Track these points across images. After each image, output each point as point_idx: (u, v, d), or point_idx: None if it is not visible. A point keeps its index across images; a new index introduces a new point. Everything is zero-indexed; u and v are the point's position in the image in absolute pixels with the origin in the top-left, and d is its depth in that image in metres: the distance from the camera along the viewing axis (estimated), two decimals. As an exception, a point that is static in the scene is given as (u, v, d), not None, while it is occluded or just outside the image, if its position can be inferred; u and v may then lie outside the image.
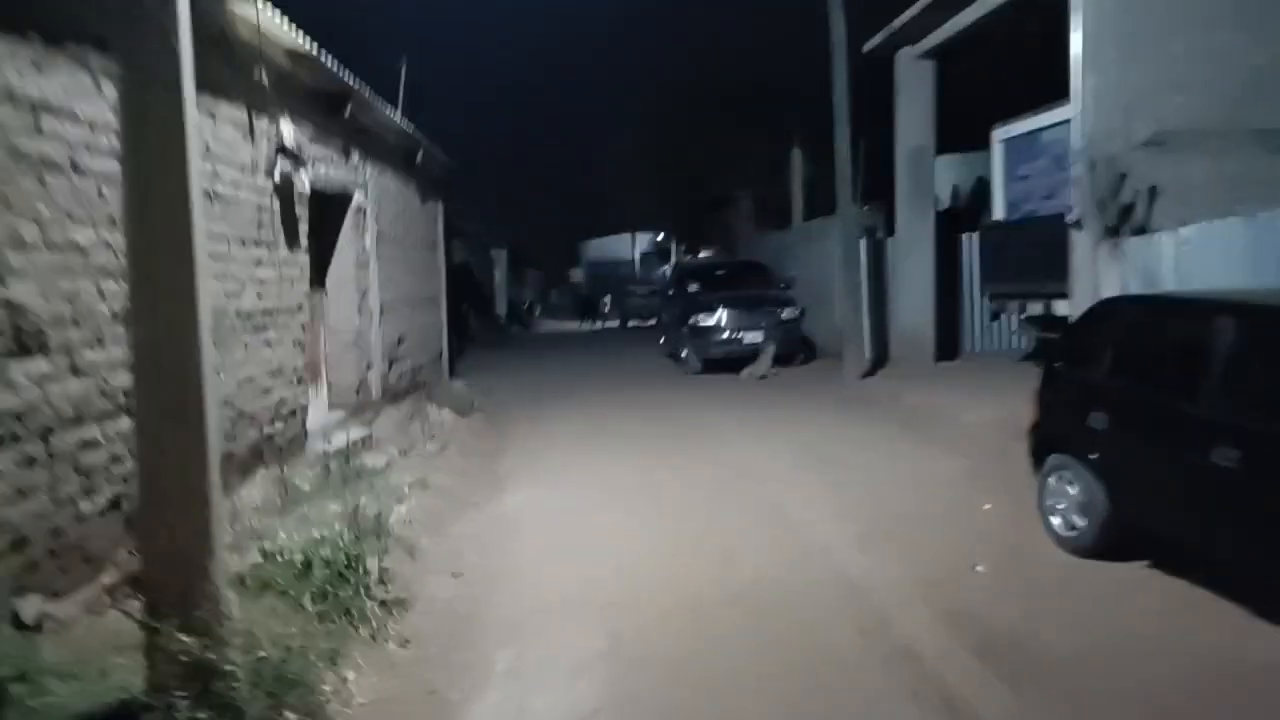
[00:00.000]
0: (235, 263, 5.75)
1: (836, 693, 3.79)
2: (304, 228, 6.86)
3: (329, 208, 7.99)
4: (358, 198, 8.25)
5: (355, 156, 8.18)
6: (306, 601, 4.38)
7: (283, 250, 6.48)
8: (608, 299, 32.89)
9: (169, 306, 3.23)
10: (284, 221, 6.49)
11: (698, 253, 29.95)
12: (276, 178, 6.26)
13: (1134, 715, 3.58)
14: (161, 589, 3.32)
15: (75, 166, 4.05)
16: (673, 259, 34.66)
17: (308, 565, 4.62)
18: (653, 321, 31.17)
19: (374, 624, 4.48)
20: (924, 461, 7.81)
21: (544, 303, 41.52)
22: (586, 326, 32.79)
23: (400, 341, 9.70)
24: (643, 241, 40.28)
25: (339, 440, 7.41)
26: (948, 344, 13.78)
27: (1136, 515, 5.03)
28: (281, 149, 6.30)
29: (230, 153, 5.68)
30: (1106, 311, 5.75)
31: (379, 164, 8.92)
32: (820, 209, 18.35)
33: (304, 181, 6.75)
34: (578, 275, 45.98)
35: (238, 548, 4.91)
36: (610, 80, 28.92)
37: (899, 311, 13.78)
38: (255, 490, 5.80)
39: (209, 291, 3.29)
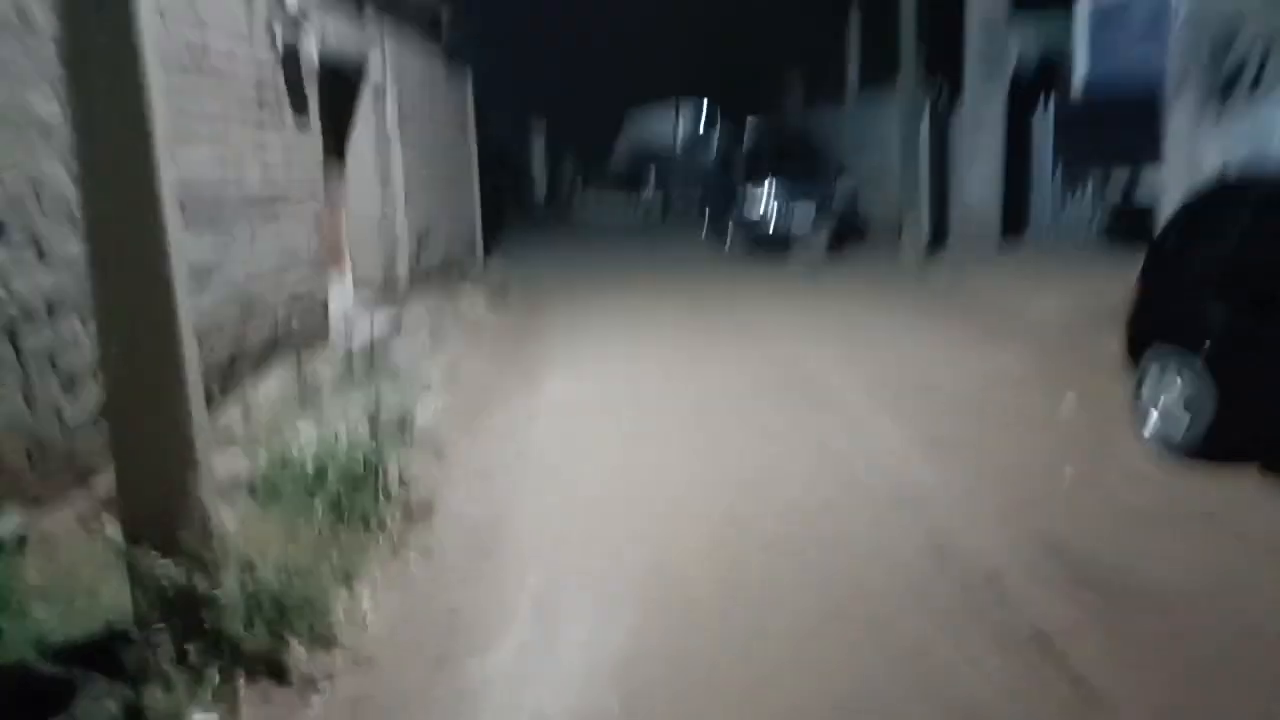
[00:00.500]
0: (235, 143, 5.21)
1: (907, 633, 3.32)
2: (314, 104, 6.26)
3: (343, 83, 7.35)
4: (374, 72, 7.58)
5: (370, 26, 7.46)
6: (319, 511, 4.04)
7: (290, 129, 5.91)
8: (654, 186, 31.74)
9: (122, 184, 2.72)
10: (291, 97, 5.90)
11: (743, 133, 28.63)
12: (279, 45, 5.63)
13: (1252, 667, 3.06)
14: (137, 507, 2.94)
15: (25, 20, 3.49)
16: (716, 141, 33.23)
17: (322, 470, 4.26)
18: (695, 209, 30.19)
19: (394, 534, 4.15)
20: (991, 355, 7.20)
21: (583, 187, 40.51)
22: (625, 214, 31.87)
23: (429, 226, 9.18)
24: (685, 124, 38.71)
25: (365, 329, 7.01)
26: (1014, 225, 12.87)
27: (1251, 418, 4.44)
28: (283, 14, 5.64)
29: (222, 17, 5.06)
30: (1235, 187, 4.97)
31: (398, 32, 8.19)
32: (877, 80, 17.10)
33: (311, 50, 6.10)
34: (618, 160, 44.61)
35: (248, 451, 4.58)
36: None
37: (964, 190, 12.82)
38: (272, 385, 5.44)
39: (170, 169, 2.77)
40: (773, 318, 9.11)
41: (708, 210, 17.05)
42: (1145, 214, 9.40)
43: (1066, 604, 3.43)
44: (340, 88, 7.32)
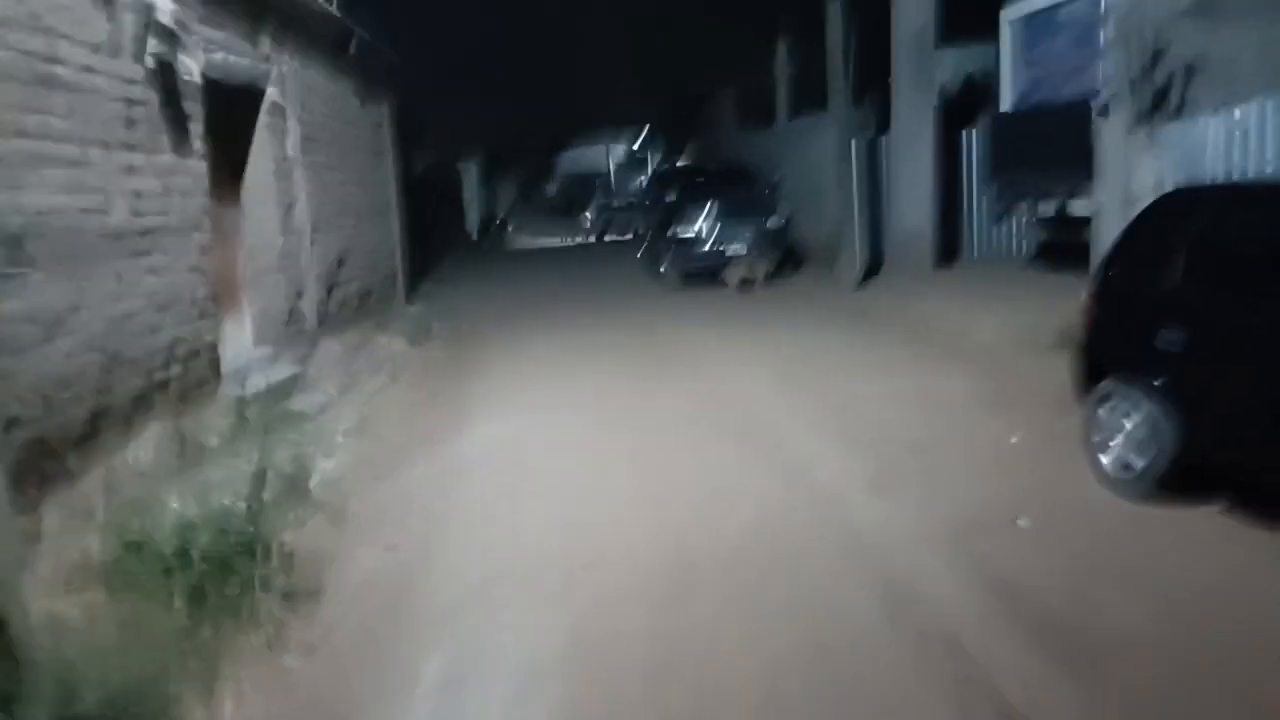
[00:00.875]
0: (94, 170, 4.58)
1: (859, 689, 2.92)
2: (197, 127, 5.64)
3: (238, 105, 6.73)
4: (272, 92, 6.98)
5: (266, 43, 6.88)
6: (178, 601, 3.42)
7: (167, 155, 5.29)
8: (590, 213, 31.38)
9: None
10: (167, 119, 5.28)
11: (677, 158, 28.50)
12: (149, 62, 5.02)
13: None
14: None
15: None
16: (650, 167, 33.12)
17: (184, 550, 3.64)
18: (630, 235, 30.01)
19: (271, 624, 3.54)
20: (932, 383, 6.86)
21: (518, 216, 39.97)
22: (561, 241, 31.41)
23: (341, 262, 8.55)
24: (618, 150, 38.64)
25: (262, 380, 6.35)
26: (947, 249, 12.75)
27: (1215, 450, 4.11)
28: (154, 25, 5.05)
29: (75, 27, 4.45)
30: (1180, 205, 4.70)
31: (300, 54, 7.61)
32: (807, 105, 17.01)
33: (192, 67, 5.50)
34: (552, 189, 44.29)
35: (105, 528, 3.92)
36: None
37: (896, 214, 12.67)
38: (145, 446, 4.77)
39: None
40: (711, 346, 8.69)
41: (644, 236, 16.68)
42: (1079, 234, 9.28)
43: (1032, 653, 3.06)
44: (234, 109, 6.70)
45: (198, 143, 5.64)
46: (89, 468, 4.37)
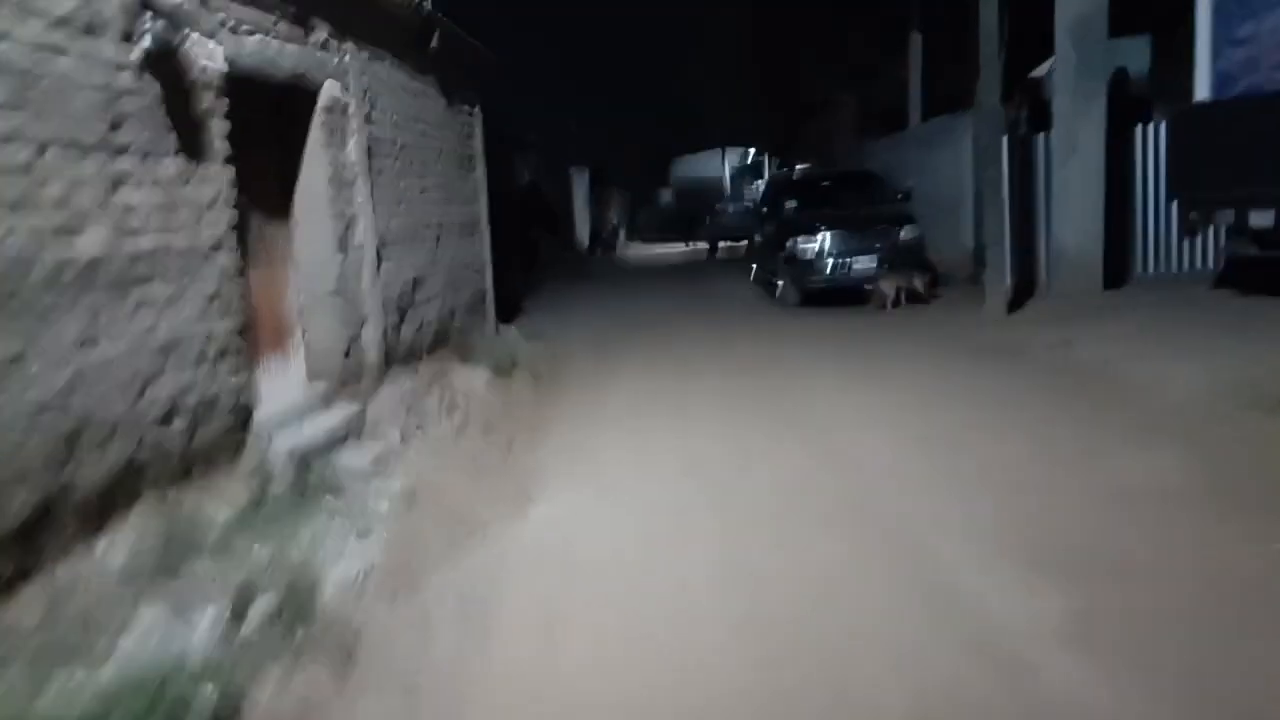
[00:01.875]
0: (57, 180, 3.46)
1: None
2: (220, 126, 4.51)
3: (285, 101, 5.63)
4: (330, 87, 5.84)
5: (323, 28, 5.75)
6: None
7: (173, 161, 4.16)
8: (706, 220, 29.91)
9: None
10: (174, 117, 4.16)
11: (793, 166, 26.77)
12: (147, 42, 3.90)
13: None
14: None
15: None
16: (765, 180, 31.45)
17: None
18: (744, 245, 28.46)
19: None
20: (1124, 462, 4.97)
21: (629, 226, 38.88)
22: (673, 251, 30.08)
23: (417, 284, 7.40)
24: (733, 158, 37.08)
25: (307, 431, 5.20)
26: (1116, 266, 10.74)
27: None
28: (149, 3, 3.93)
29: (32, -4, 3.34)
30: None
31: (369, 44, 6.47)
32: (940, 108, 15.14)
33: (213, 55, 4.38)
34: (666, 196, 43.09)
35: (24, 676, 2.75)
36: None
37: (1056, 226, 10.73)
38: (118, 548, 3.62)
39: None
40: (829, 391, 7.10)
41: (756, 256, 15.16)
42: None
43: None
44: (282, 106, 5.60)
45: (219, 145, 4.50)
46: (31, 580, 3.24)
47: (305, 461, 4.95)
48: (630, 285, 17.62)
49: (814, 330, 10.33)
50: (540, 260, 17.85)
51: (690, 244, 31.15)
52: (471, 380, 7.47)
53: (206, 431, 4.39)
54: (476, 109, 9.53)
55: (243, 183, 4.85)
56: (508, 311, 12.44)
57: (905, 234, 11.91)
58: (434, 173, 8.03)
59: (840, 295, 11.87)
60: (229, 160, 4.59)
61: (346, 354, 6.07)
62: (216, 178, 4.52)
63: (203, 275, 4.40)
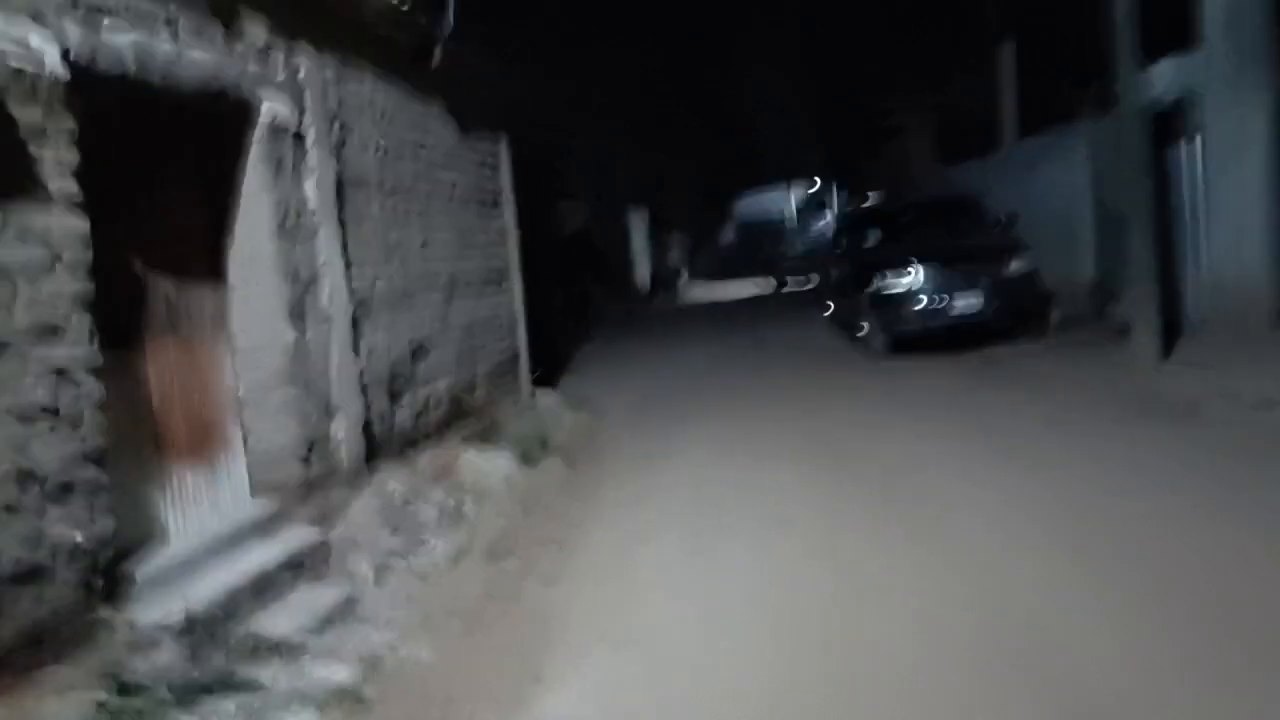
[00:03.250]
0: None
1: None
2: (55, 157, 3.00)
3: (205, 122, 4.14)
4: (274, 109, 4.34)
5: (255, 31, 4.26)
6: None
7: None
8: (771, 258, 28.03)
9: None
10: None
11: (862, 200, 24.87)
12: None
13: None
14: None
15: None
16: (833, 209, 29.60)
17: None
18: (811, 285, 26.56)
19: None
20: None
21: (691, 266, 37.33)
22: (737, 293, 28.35)
23: (419, 353, 5.84)
24: (797, 195, 35.40)
25: (219, 582, 3.61)
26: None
27: None
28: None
29: None
30: None
31: (336, 57, 4.98)
32: (1045, 120, 13.19)
33: (43, 53, 2.89)
34: (728, 235, 41.54)
35: None
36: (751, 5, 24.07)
37: (1209, 252, 8.69)
38: None
39: None
40: (958, 483, 5.21)
41: (833, 297, 13.32)
42: None
43: None
44: (203, 129, 4.11)
45: (58, 184, 2.98)
46: None
47: (209, 630, 3.35)
48: (693, 333, 15.91)
49: (915, 387, 8.44)
50: (592, 310, 16.32)
51: (754, 283, 29.40)
52: (488, 472, 5.82)
53: (39, 605, 2.82)
54: (502, 142, 8.03)
55: (139, 236, 3.35)
56: (551, 371, 10.87)
57: (1015, 266, 9.97)
58: (442, 216, 6.51)
59: (937, 340, 9.97)
60: (74, 204, 3.06)
61: (307, 458, 4.49)
62: (57, 227, 3.00)
63: (23, 372, 2.86)
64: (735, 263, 33.70)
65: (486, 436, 6.57)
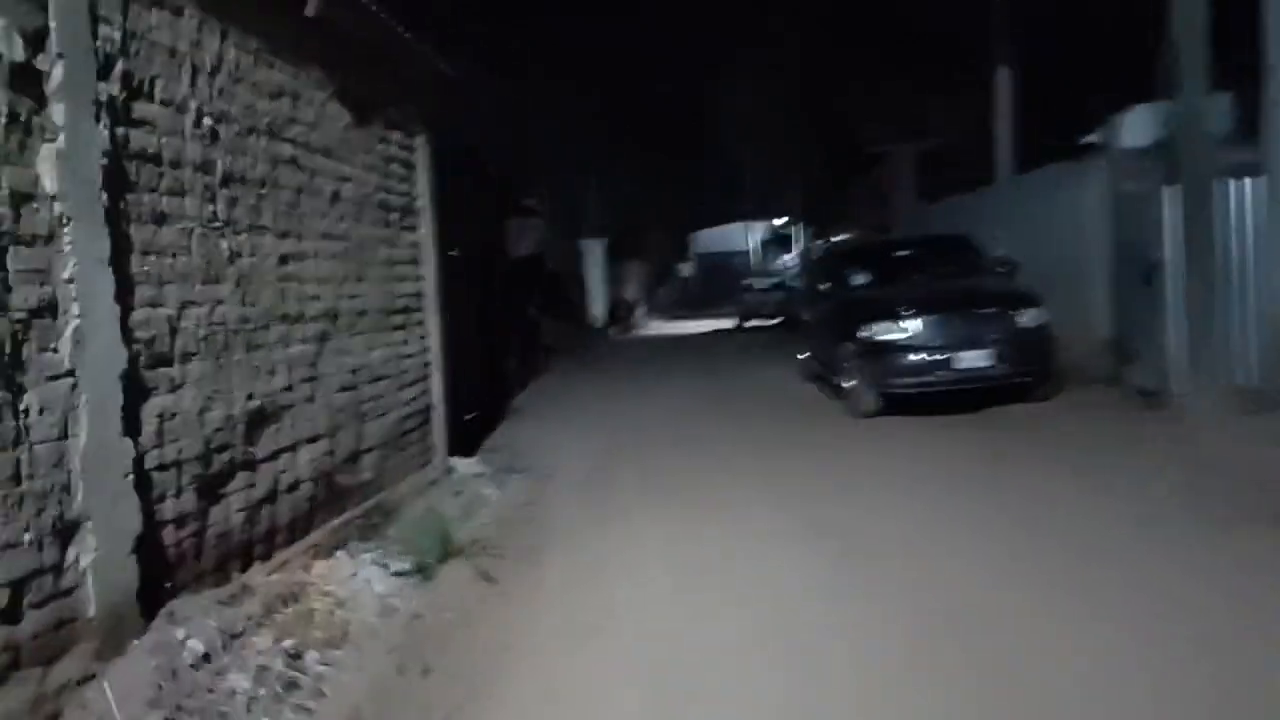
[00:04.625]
0: None
1: None
2: None
3: None
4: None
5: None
6: None
7: None
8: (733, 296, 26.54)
9: None
10: None
11: (829, 236, 23.54)
12: None
13: None
14: None
15: None
16: (798, 245, 28.30)
17: None
18: (774, 321, 25.20)
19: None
20: None
21: (649, 302, 35.73)
22: (699, 326, 26.75)
23: (262, 419, 3.99)
24: (759, 228, 34.14)
25: None
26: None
27: None
28: None
29: None
30: None
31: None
32: (1035, 157, 11.87)
33: None
34: (687, 269, 40.11)
35: None
36: (719, 26, 22.75)
37: (1265, 299, 7.25)
38: None
39: None
40: (996, 614, 3.52)
41: (809, 345, 11.72)
42: None
43: None
44: None
45: None
46: None
47: None
48: (651, 375, 14.17)
49: (916, 458, 6.78)
50: (541, 346, 14.51)
51: (715, 319, 27.89)
52: (355, 596, 3.97)
53: None
54: (421, 135, 6.26)
55: None
56: (488, 421, 9.04)
57: (1027, 319, 8.42)
58: (320, 225, 4.69)
59: (933, 399, 8.39)
60: None
61: (14, 611, 2.62)
62: None
63: None
64: (695, 297, 32.29)
65: (368, 532, 4.73)
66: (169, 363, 3.40)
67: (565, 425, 9.39)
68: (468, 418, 8.58)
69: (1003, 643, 3.36)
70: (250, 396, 3.92)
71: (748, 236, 34.49)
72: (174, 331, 3.45)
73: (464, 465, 6.46)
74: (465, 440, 7.63)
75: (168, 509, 3.34)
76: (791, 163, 23.68)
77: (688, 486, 6.33)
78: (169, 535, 3.34)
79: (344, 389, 4.83)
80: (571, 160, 21.57)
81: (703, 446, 7.87)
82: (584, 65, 19.99)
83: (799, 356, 12.32)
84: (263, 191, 4.15)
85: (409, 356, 5.93)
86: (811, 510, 5.43)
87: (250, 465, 3.89)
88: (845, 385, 9.25)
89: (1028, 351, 8.34)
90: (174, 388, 3.41)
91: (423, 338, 6.22)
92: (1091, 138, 15.04)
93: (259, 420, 3.98)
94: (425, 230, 6.31)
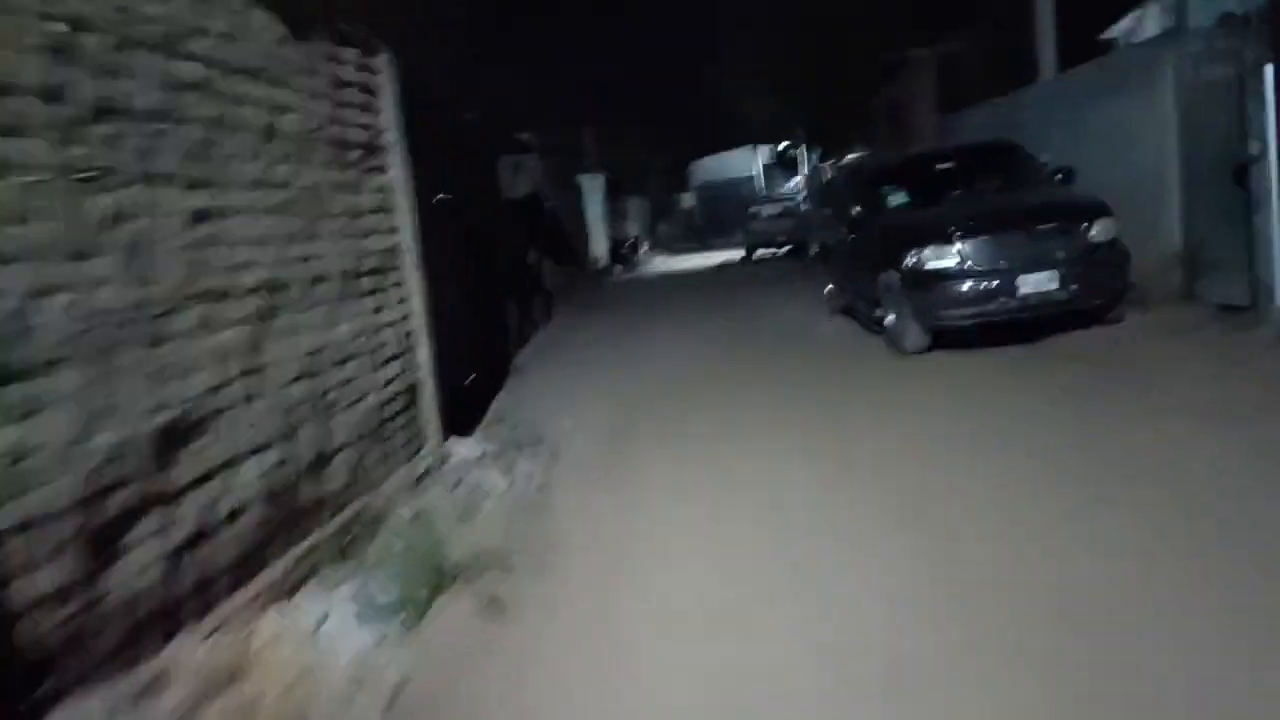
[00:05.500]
0: None
1: None
2: None
3: None
4: None
5: None
6: None
7: None
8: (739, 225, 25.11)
9: None
10: None
11: (839, 158, 22.12)
12: None
13: None
14: None
15: None
16: (804, 168, 26.82)
17: None
18: (784, 249, 23.95)
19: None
20: None
21: (652, 236, 34.39)
22: (706, 259, 25.49)
23: (178, 434, 2.98)
24: (762, 154, 32.54)
25: None
26: None
27: None
28: None
29: None
30: None
31: None
32: (1081, 52, 10.58)
33: None
34: (689, 200, 38.57)
35: None
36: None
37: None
38: None
39: None
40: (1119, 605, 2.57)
41: (836, 274, 10.62)
42: None
43: None
44: None
45: None
46: None
47: None
48: (662, 319, 13.11)
49: (991, 404, 5.75)
50: (542, 292, 13.42)
51: (721, 251, 26.65)
52: (323, 663, 3.01)
53: None
54: (383, 55, 5.10)
55: None
56: (488, 383, 8.05)
57: (1098, 232, 7.31)
58: (250, 171, 3.60)
59: (989, 331, 7.37)
60: None
61: None
62: None
63: None
64: (699, 229, 30.93)
65: (345, 552, 3.75)
66: (21, 377, 2.37)
67: (573, 383, 8.39)
68: (466, 382, 7.59)
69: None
70: (158, 407, 2.89)
71: (751, 162, 32.91)
72: (25, 331, 2.41)
73: (462, 447, 5.47)
74: (464, 411, 6.64)
75: (36, 584, 2.35)
76: (793, 81, 22.12)
77: (720, 457, 5.34)
78: (41, 619, 2.36)
79: (299, 378, 3.80)
80: (565, 93, 20.13)
81: (731, 402, 6.87)
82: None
83: (825, 290, 11.26)
84: (159, 128, 3.05)
85: (387, 326, 4.89)
86: (886, 482, 4.44)
87: (165, 499, 2.89)
88: (887, 320, 8.20)
89: (1100, 270, 7.25)
90: (30, 412, 2.39)
91: (402, 301, 5.16)
92: (1113, 32, 13.70)
93: (175, 437, 2.97)
94: (396, 172, 5.19)
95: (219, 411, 3.22)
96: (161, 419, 2.91)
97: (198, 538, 3.03)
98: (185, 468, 3.01)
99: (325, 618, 3.21)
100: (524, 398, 7.84)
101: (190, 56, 3.28)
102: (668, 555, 3.92)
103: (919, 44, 15.47)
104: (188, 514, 3.00)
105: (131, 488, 2.75)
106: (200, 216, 3.23)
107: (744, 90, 25.06)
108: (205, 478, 3.11)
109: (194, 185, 3.22)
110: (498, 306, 9.91)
